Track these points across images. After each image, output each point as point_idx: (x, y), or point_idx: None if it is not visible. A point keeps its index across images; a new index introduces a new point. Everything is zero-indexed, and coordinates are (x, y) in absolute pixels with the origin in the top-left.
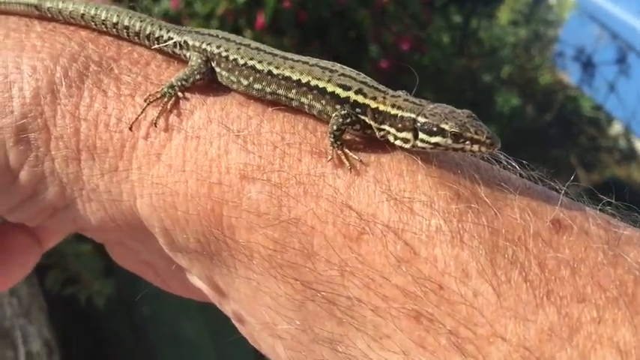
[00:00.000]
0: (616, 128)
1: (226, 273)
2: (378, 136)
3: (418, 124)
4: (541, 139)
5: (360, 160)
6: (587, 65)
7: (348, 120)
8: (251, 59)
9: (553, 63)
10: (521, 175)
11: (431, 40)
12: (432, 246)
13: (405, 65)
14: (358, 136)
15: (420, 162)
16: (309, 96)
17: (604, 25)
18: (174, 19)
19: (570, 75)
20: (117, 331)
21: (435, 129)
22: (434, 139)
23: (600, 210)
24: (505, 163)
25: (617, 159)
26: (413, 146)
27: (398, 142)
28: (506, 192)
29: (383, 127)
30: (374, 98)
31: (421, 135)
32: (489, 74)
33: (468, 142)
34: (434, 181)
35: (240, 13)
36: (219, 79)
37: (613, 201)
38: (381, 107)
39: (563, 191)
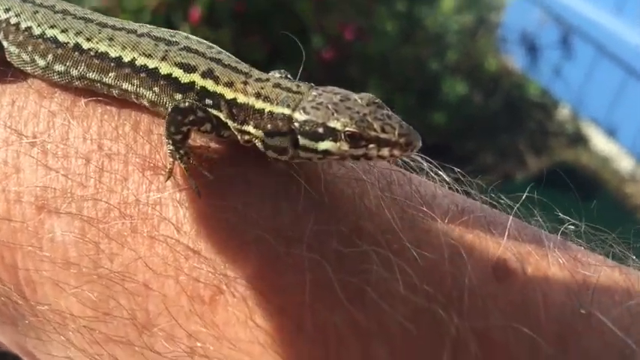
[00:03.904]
0: (563, 112)
1: (40, 344)
2: (242, 142)
3: (297, 124)
4: (489, 126)
5: (214, 178)
6: (532, 49)
7: (191, 117)
8: (52, 27)
9: (498, 48)
10: (450, 187)
11: (376, 29)
12: (316, 315)
13: (349, 55)
14: (205, 136)
15: (302, 177)
16: (135, 81)
17: (546, 8)
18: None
19: (515, 60)
20: None
21: (321, 130)
22: (322, 146)
23: (563, 232)
24: (427, 169)
25: (564, 143)
26: (292, 158)
27: (270, 154)
28: (429, 221)
29: (246, 128)
30: (229, 84)
31: (302, 140)
32: (436, 62)
33: (372, 146)
34: (322, 210)
35: (173, 7)
36: (9, 58)
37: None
38: (241, 98)
39: (513, 211)
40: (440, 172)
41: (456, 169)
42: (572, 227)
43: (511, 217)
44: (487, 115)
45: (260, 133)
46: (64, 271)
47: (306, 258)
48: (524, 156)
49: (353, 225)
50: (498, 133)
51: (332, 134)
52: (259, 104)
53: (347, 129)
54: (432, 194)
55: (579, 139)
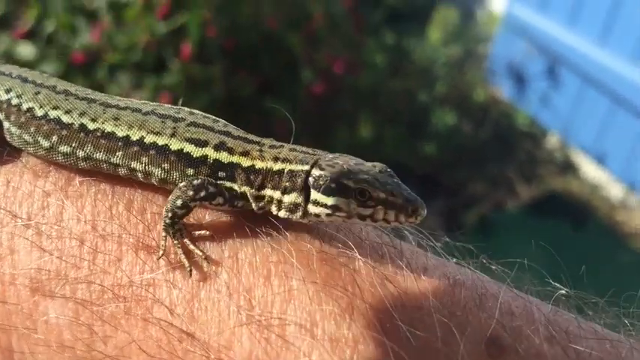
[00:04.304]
0: (551, 140)
1: None
2: (256, 209)
3: (311, 179)
4: (479, 156)
5: (206, 257)
6: (519, 80)
7: (203, 194)
8: (55, 109)
9: (486, 79)
10: (446, 256)
11: (365, 62)
12: None
13: (339, 89)
14: (216, 209)
15: (294, 257)
16: (144, 159)
17: (532, 39)
18: (95, 53)
19: (503, 90)
20: None
21: (333, 185)
22: (332, 201)
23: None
24: (411, 235)
25: (554, 171)
26: (304, 214)
27: (282, 213)
28: (422, 296)
29: (263, 192)
30: (245, 153)
31: (314, 194)
32: (425, 93)
33: (380, 207)
34: (316, 288)
35: (163, 43)
36: (9, 139)
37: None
38: (259, 164)
39: (504, 287)
40: (431, 241)
41: (446, 238)
42: (564, 292)
43: (503, 288)
44: (477, 144)
45: (277, 193)
46: (59, 354)
47: (300, 338)
48: (515, 185)
49: (344, 304)
50: (488, 163)
51: (344, 190)
52: (278, 166)
53: (358, 186)
54: (424, 267)
55: (569, 167)
